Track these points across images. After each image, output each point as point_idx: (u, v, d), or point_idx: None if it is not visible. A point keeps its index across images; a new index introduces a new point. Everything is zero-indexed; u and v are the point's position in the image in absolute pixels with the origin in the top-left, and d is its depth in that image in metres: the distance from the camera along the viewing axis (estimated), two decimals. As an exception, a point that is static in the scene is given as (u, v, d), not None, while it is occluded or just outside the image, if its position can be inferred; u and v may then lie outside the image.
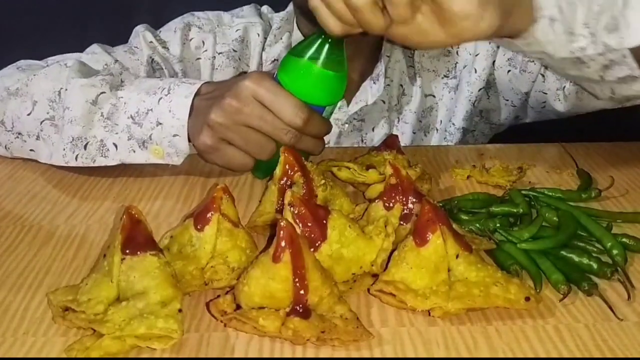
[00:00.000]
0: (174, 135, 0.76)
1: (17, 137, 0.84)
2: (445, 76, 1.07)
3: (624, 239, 0.65)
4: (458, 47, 1.05)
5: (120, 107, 0.78)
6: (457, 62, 1.06)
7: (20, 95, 0.83)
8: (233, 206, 0.61)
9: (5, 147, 0.86)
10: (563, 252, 0.63)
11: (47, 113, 0.81)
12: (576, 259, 0.62)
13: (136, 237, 0.54)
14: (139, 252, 0.53)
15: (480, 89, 1.04)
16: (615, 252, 0.63)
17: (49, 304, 0.55)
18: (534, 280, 0.59)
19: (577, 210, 0.69)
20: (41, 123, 0.81)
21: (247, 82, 0.70)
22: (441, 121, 1.08)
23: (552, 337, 0.53)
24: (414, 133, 1.07)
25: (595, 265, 0.61)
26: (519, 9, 0.66)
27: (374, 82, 1.03)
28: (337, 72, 0.71)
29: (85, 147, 0.79)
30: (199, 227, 0.59)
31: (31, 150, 0.84)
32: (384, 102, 1.05)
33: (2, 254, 0.65)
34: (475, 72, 1.04)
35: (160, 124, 0.76)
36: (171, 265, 0.55)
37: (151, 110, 0.76)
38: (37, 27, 1.43)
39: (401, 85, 1.06)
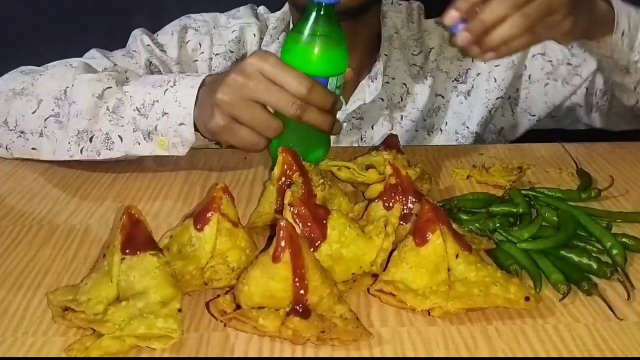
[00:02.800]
0: (180, 125, 0.76)
1: (20, 136, 0.84)
2: (455, 80, 1.09)
3: (624, 239, 0.65)
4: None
5: (126, 100, 0.79)
6: (469, 69, 1.08)
7: (26, 95, 0.84)
8: (233, 206, 0.61)
9: (7, 148, 0.86)
10: (563, 252, 0.63)
11: (52, 110, 0.82)
12: (576, 259, 0.62)
13: (136, 237, 0.54)
14: (139, 252, 0.53)
15: (499, 98, 1.06)
16: (615, 252, 0.63)
17: (49, 304, 0.55)
18: (534, 280, 0.59)
19: (577, 210, 0.69)
20: (45, 120, 0.82)
21: (251, 60, 0.71)
22: (447, 123, 1.08)
23: (552, 337, 0.53)
24: (417, 131, 1.07)
25: (595, 265, 0.61)
26: (604, 22, 0.83)
27: (372, 81, 1.03)
28: (336, 42, 0.72)
29: (90, 140, 0.80)
30: (199, 227, 0.59)
31: (33, 149, 0.84)
32: (383, 101, 1.04)
33: (2, 254, 0.65)
34: (495, 81, 1.06)
35: (167, 114, 0.77)
36: (171, 265, 0.55)
37: (157, 101, 0.77)
38: (36, 31, 1.43)
39: (405, 84, 1.06)
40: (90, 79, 0.81)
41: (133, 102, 0.79)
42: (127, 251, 0.53)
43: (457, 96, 1.08)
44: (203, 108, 0.75)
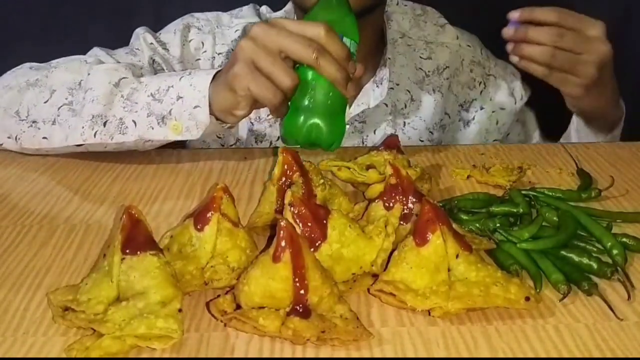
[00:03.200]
0: (195, 107, 0.78)
1: (31, 125, 0.84)
2: (460, 105, 1.12)
3: (624, 239, 0.65)
4: (484, 87, 1.13)
5: (141, 88, 0.81)
6: (475, 99, 1.12)
7: (39, 85, 0.85)
8: (233, 206, 0.61)
9: (16, 139, 0.86)
10: (563, 252, 0.63)
11: (66, 99, 0.83)
12: (576, 259, 0.62)
13: (136, 237, 0.54)
14: (139, 252, 0.53)
15: (496, 140, 1.13)
16: (615, 252, 0.63)
17: (49, 304, 0.55)
18: (534, 280, 0.59)
19: (577, 210, 0.69)
20: (59, 109, 0.83)
21: (272, 19, 0.76)
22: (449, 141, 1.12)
23: (552, 337, 0.53)
24: (421, 141, 1.07)
25: (595, 265, 0.61)
26: (610, 124, 1.00)
27: (377, 86, 1.03)
28: (347, 9, 0.79)
29: (104, 124, 0.81)
30: (199, 227, 0.59)
31: (44, 138, 0.84)
32: (386, 106, 1.05)
33: (2, 254, 0.65)
34: (497, 123, 1.13)
35: (181, 97, 0.78)
36: (171, 265, 0.55)
37: (172, 86, 0.79)
38: (38, 29, 1.43)
39: (408, 91, 1.06)
40: (107, 68, 0.83)
41: (147, 89, 0.80)
42: (127, 251, 0.53)
43: (459, 120, 1.13)
44: (218, 85, 0.77)
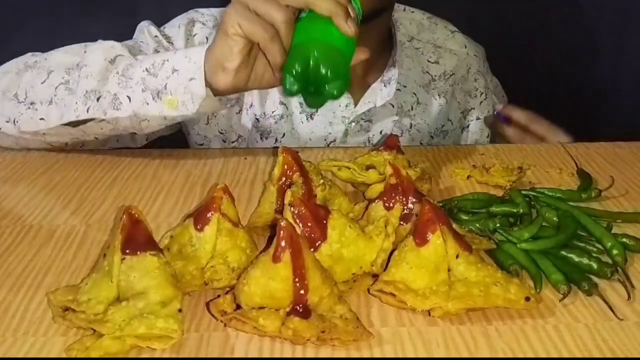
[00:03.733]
0: (190, 80, 0.76)
1: (29, 107, 0.84)
2: (462, 112, 1.15)
3: (624, 239, 0.65)
4: (484, 98, 1.17)
5: (137, 64, 0.80)
6: (473, 109, 1.16)
7: (38, 68, 0.85)
8: (233, 206, 0.61)
9: (14, 122, 0.85)
10: (563, 252, 0.63)
11: (62, 78, 0.82)
12: (576, 259, 0.62)
13: (136, 237, 0.54)
14: (139, 252, 0.53)
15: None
16: (615, 252, 0.63)
17: (49, 304, 0.55)
18: (534, 280, 0.59)
19: (577, 210, 0.69)
20: (55, 89, 0.82)
21: None
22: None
23: (552, 337, 0.53)
24: (421, 143, 1.08)
25: (595, 265, 0.61)
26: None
27: (385, 85, 1.04)
28: None
29: (97, 99, 0.80)
30: (199, 227, 0.59)
31: (41, 119, 0.83)
32: (393, 107, 1.06)
33: (2, 254, 0.65)
34: (488, 137, 1.18)
35: (176, 70, 0.77)
36: (171, 265, 0.55)
37: (167, 60, 0.78)
38: (40, 23, 1.43)
39: (415, 93, 1.07)
40: (104, 46, 0.83)
41: (143, 65, 0.79)
42: (127, 251, 0.53)
43: (459, 127, 1.15)
44: (211, 44, 0.76)
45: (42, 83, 0.83)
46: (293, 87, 0.70)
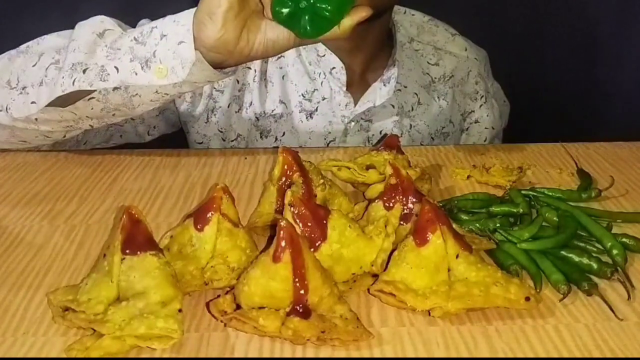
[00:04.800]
0: (179, 43, 0.73)
1: (21, 92, 0.81)
2: (462, 115, 1.15)
3: (624, 239, 0.65)
4: (484, 101, 1.17)
5: (125, 36, 0.77)
6: (472, 111, 1.15)
7: (30, 53, 0.84)
8: (233, 206, 0.61)
9: (7, 109, 0.82)
10: (563, 252, 0.63)
11: (53, 58, 0.80)
12: (576, 259, 0.62)
13: (136, 237, 0.54)
14: (139, 252, 0.53)
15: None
16: (615, 252, 0.63)
17: (49, 304, 0.55)
18: (534, 280, 0.59)
19: (577, 210, 0.69)
20: (46, 69, 0.80)
21: None
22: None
23: (552, 337, 0.53)
24: (421, 144, 1.08)
25: (595, 265, 0.61)
26: None
27: (384, 85, 1.04)
28: None
29: (84, 71, 0.76)
30: (199, 227, 0.59)
31: (32, 102, 0.80)
32: (393, 107, 1.06)
33: (2, 254, 0.65)
34: (485, 140, 1.17)
35: (165, 35, 0.74)
36: (171, 265, 0.55)
37: (155, 27, 0.75)
38: (37, 21, 1.43)
39: (416, 94, 1.07)
40: (94, 21, 0.80)
41: (131, 35, 0.76)
42: (127, 251, 0.53)
43: (460, 130, 1.15)
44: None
45: (33, 66, 0.81)
46: (282, 10, 0.68)
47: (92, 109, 0.80)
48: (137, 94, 0.77)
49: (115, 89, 0.77)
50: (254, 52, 0.74)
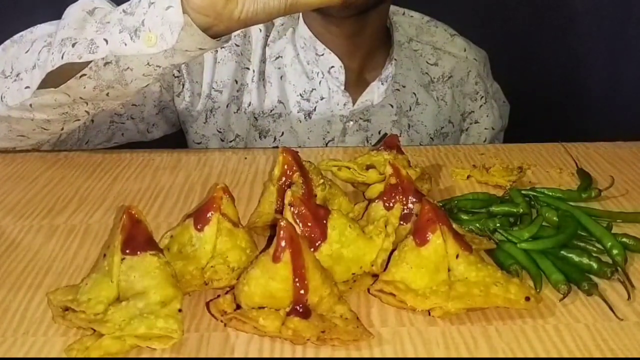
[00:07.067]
0: (167, 8, 0.71)
1: (15, 80, 0.80)
2: (461, 115, 1.15)
3: (624, 239, 0.65)
4: (484, 102, 1.16)
5: (115, 10, 0.76)
6: (472, 111, 1.15)
7: (23, 41, 0.83)
8: (233, 206, 0.61)
9: (2, 98, 0.81)
10: (563, 252, 0.63)
11: (45, 41, 0.79)
12: (576, 259, 0.62)
13: (136, 237, 0.54)
14: (139, 252, 0.53)
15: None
16: (615, 252, 0.63)
17: (49, 304, 0.55)
18: (534, 280, 0.59)
19: (577, 210, 0.69)
20: (38, 53, 0.79)
21: None
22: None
23: (552, 337, 0.53)
24: (420, 144, 1.08)
25: (595, 265, 0.61)
26: None
27: (382, 83, 1.04)
28: None
29: (73, 45, 0.75)
30: (199, 227, 0.59)
31: (26, 87, 0.79)
32: (392, 107, 1.06)
33: (2, 254, 0.65)
34: (485, 141, 1.16)
35: (152, 3, 0.72)
36: (171, 265, 0.55)
37: None
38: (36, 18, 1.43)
39: (414, 94, 1.07)
40: (84, 1, 0.79)
41: (120, 8, 0.75)
42: (127, 251, 0.53)
43: (459, 130, 1.15)
44: None
45: (26, 52, 0.80)
46: None
47: (84, 87, 0.78)
48: (128, 68, 0.76)
49: (106, 63, 0.75)
50: (244, 15, 0.72)
